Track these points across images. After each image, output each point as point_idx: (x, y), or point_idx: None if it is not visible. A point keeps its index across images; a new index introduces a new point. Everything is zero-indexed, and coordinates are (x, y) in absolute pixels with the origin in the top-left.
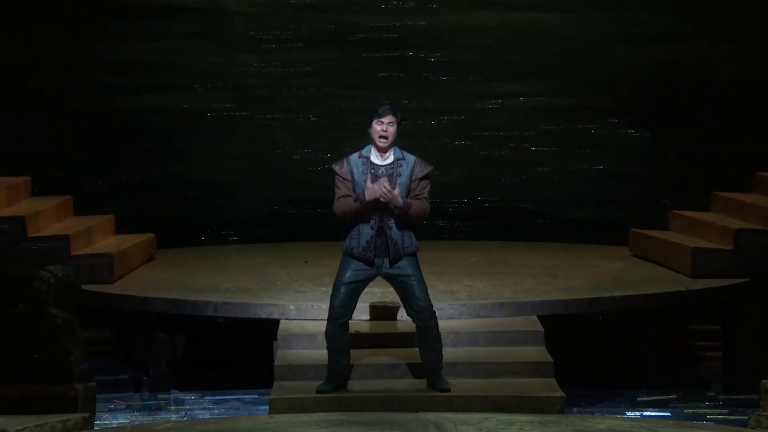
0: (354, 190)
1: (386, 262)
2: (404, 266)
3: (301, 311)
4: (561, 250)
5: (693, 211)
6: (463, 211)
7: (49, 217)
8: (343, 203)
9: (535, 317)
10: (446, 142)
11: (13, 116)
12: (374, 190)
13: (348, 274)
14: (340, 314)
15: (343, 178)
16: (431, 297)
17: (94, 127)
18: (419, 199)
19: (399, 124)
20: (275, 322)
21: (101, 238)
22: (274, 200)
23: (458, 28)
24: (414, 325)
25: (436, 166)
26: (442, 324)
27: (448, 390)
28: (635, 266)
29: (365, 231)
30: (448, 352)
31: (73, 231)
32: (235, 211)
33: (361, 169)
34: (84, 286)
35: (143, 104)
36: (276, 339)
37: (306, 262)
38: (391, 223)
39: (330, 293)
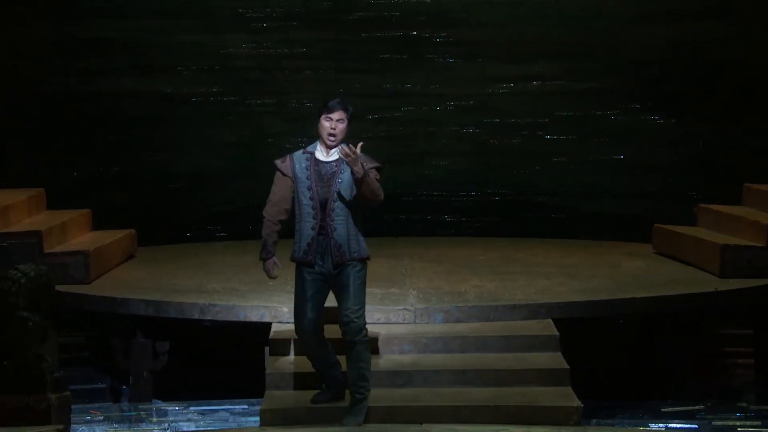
0: (295, 187)
1: (329, 262)
2: (347, 270)
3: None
4: (578, 248)
5: (722, 204)
6: (472, 205)
7: (20, 212)
8: (264, 225)
9: (550, 321)
10: (453, 130)
11: None
12: (267, 274)
13: (305, 290)
14: (311, 333)
15: (284, 174)
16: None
17: (67, 113)
18: None
19: (350, 120)
20: (267, 326)
21: (76, 234)
22: (265, 193)
23: (466, 5)
24: (420, 329)
25: (442, 155)
26: (448, 327)
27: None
28: (659, 265)
29: (306, 233)
30: (455, 358)
31: (46, 227)
32: (222, 204)
33: (304, 165)
34: (58, 287)
35: (122, 88)
36: (267, 344)
37: None
38: (335, 224)
39: None
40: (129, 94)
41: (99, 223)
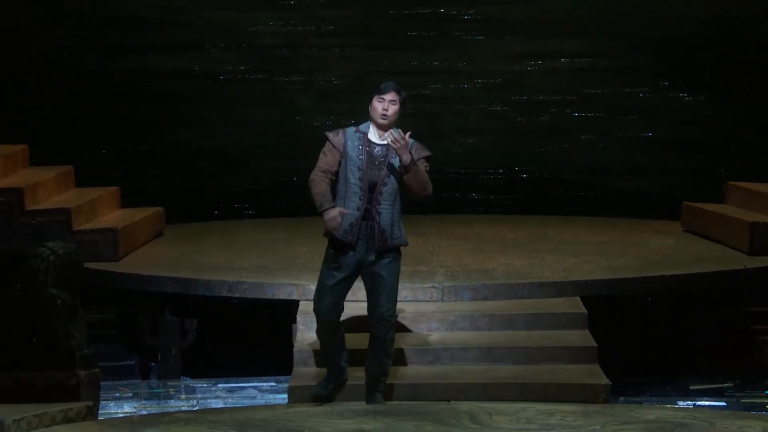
0: (344, 163)
1: (371, 251)
2: (383, 263)
3: None
4: (606, 226)
5: (752, 182)
6: (500, 183)
7: (49, 189)
8: (317, 184)
9: (578, 298)
10: (481, 108)
11: (9, 80)
12: (332, 223)
13: (333, 275)
14: (329, 319)
15: (334, 146)
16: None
17: (96, 90)
18: None
19: (402, 104)
20: (294, 304)
21: (105, 211)
22: (293, 170)
23: None
24: (448, 307)
25: (469, 133)
26: (476, 305)
27: None
28: (688, 243)
29: (350, 212)
30: (483, 336)
31: (75, 204)
32: (250, 182)
33: (356, 144)
34: (86, 264)
35: (149, 66)
36: (295, 322)
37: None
38: (381, 208)
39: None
40: (156, 71)
41: (127, 200)
